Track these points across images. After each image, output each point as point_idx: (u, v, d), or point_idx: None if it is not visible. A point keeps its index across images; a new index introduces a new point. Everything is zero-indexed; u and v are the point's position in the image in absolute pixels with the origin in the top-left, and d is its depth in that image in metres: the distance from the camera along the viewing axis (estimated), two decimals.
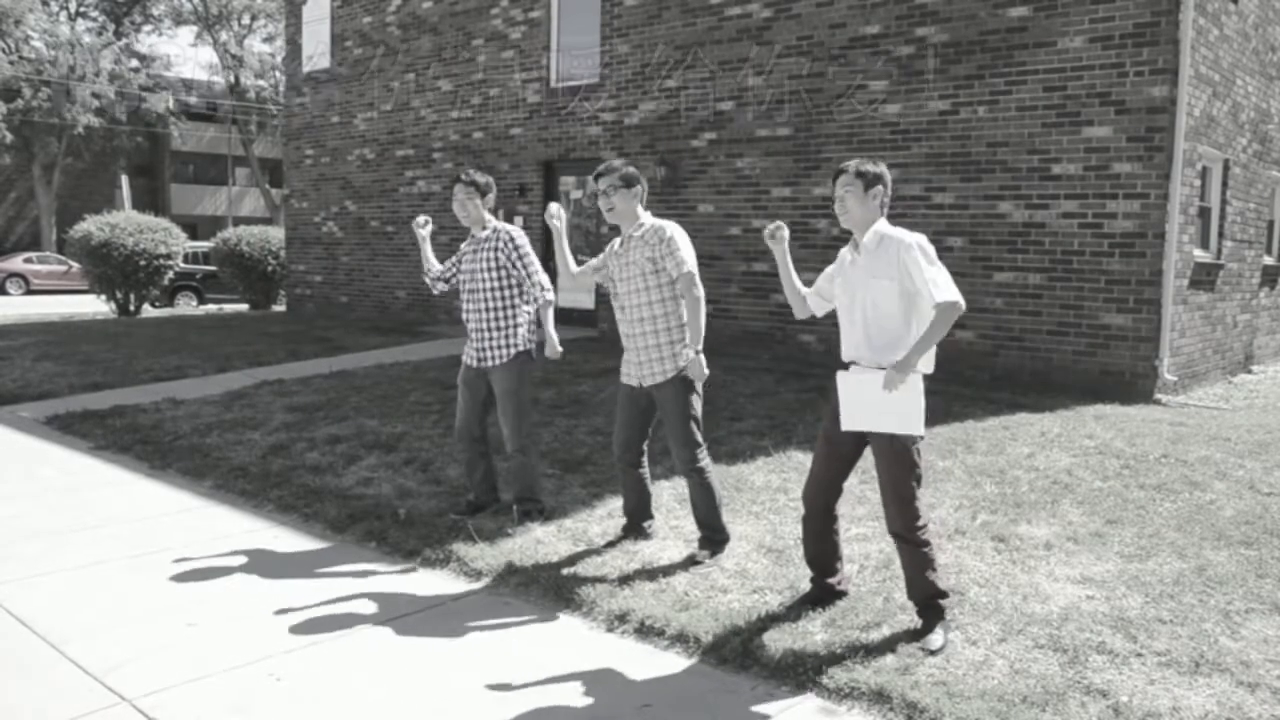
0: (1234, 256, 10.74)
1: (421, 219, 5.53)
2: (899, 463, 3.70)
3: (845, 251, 3.95)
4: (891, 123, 10.09)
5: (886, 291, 3.71)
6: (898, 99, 10.03)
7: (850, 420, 3.77)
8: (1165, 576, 4.35)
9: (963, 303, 3.62)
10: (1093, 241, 8.95)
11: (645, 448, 4.90)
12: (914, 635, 3.74)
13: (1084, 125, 8.93)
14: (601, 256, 4.93)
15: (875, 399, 3.65)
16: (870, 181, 3.82)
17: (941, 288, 3.61)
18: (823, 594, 4.10)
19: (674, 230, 4.65)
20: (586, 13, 12.89)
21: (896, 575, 4.36)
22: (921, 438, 3.74)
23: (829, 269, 4.07)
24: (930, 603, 3.78)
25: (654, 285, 4.61)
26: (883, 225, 3.83)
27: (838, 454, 3.92)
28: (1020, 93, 9.26)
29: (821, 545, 4.07)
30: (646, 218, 4.72)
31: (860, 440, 3.85)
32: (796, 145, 10.81)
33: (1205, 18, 9.18)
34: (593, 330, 12.29)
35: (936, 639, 3.67)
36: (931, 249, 3.71)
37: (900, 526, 3.74)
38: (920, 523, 3.73)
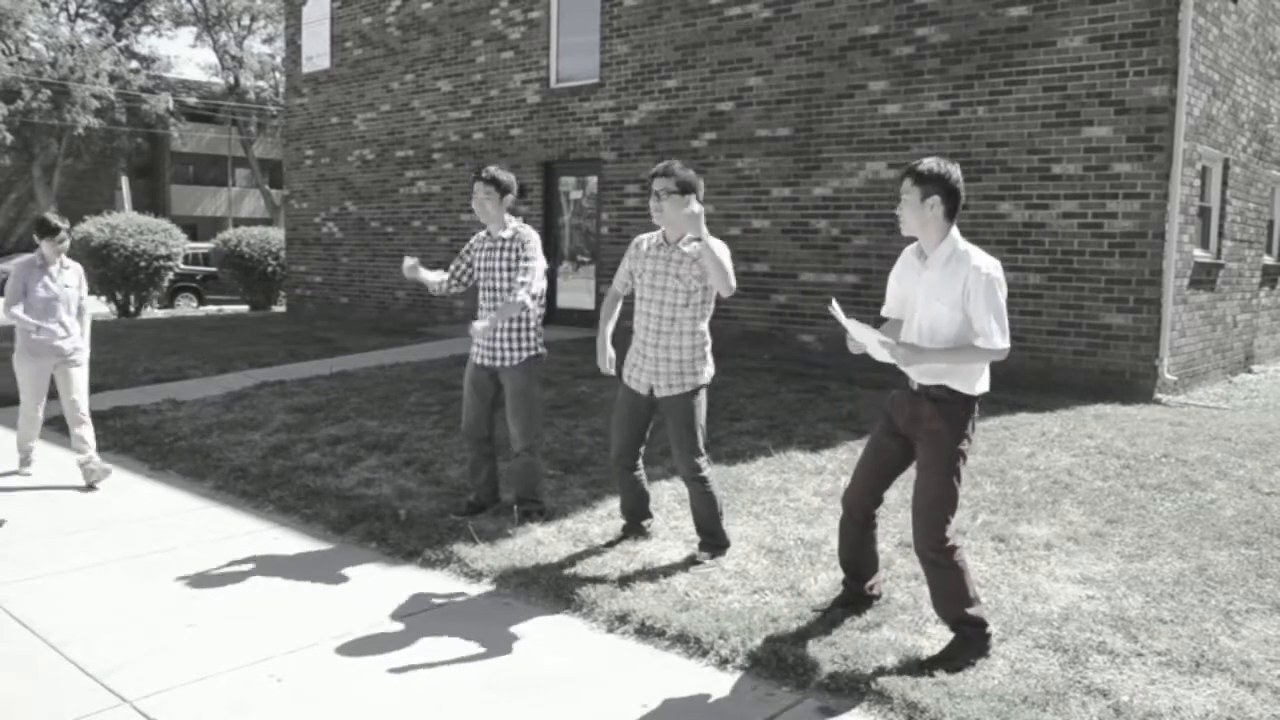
0: (1234, 256, 10.74)
1: (409, 262, 5.11)
2: (940, 482, 3.55)
3: (910, 253, 3.71)
4: (891, 123, 10.09)
5: (947, 319, 3.52)
6: (898, 99, 10.03)
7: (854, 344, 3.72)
8: (1166, 576, 4.35)
9: (1007, 349, 3.48)
10: (1093, 241, 8.95)
11: (642, 450, 4.88)
12: (936, 658, 3.57)
13: (1084, 125, 8.93)
14: (627, 264, 4.70)
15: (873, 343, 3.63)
16: (929, 190, 3.49)
17: (993, 335, 3.44)
18: (855, 597, 4.02)
19: (723, 250, 4.40)
20: (586, 13, 12.90)
21: (897, 576, 4.37)
22: (965, 458, 3.60)
23: (895, 271, 3.78)
24: (957, 625, 3.62)
25: (696, 302, 4.50)
26: (955, 239, 3.55)
27: (883, 462, 3.81)
28: (1020, 93, 9.26)
29: (858, 553, 3.96)
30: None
31: (908, 450, 3.72)
32: (796, 145, 10.81)
33: (1205, 17, 9.18)
34: (593, 331, 12.29)
35: (954, 659, 3.52)
36: (1001, 283, 3.50)
37: (925, 546, 3.57)
38: (947, 544, 3.54)
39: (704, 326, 4.59)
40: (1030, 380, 9.13)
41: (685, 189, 4.39)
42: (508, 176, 5.24)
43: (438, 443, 6.95)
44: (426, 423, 7.58)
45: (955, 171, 3.54)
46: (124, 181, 44.29)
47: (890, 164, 10.07)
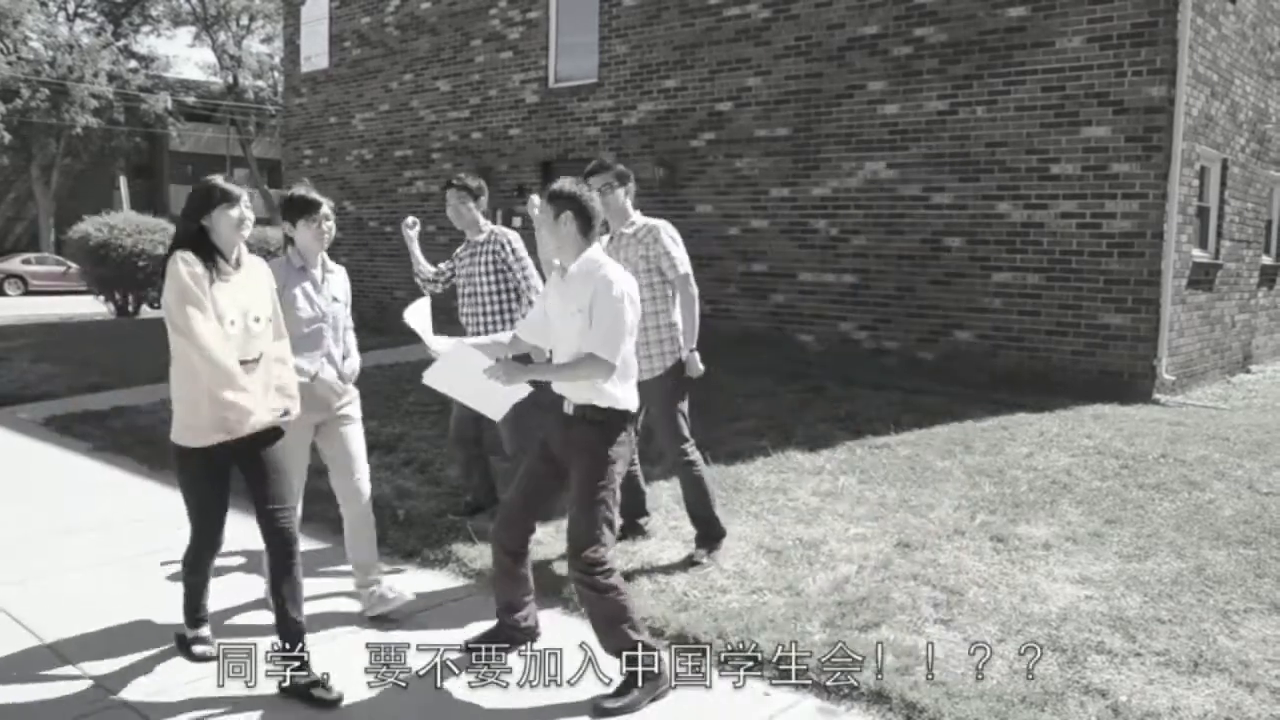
0: (1232, 256, 10.75)
1: (410, 220, 5.43)
2: (593, 504, 3.39)
3: (555, 274, 3.63)
4: (890, 123, 10.09)
5: (580, 330, 3.44)
6: (896, 99, 10.03)
7: (433, 377, 3.65)
8: (1164, 576, 4.36)
9: (610, 365, 3.36)
10: (1091, 241, 8.95)
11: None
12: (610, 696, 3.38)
13: (1082, 125, 8.93)
14: None
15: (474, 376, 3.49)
16: (560, 207, 3.45)
17: (596, 344, 3.35)
18: (508, 633, 3.79)
19: (668, 230, 4.65)
20: (585, 13, 12.89)
21: (896, 575, 4.37)
22: (616, 479, 3.46)
23: (542, 292, 3.83)
24: (624, 654, 3.39)
25: (645, 284, 4.55)
26: (594, 255, 3.50)
27: (539, 490, 3.65)
28: (1019, 93, 9.27)
29: (514, 587, 3.74)
30: (637, 216, 4.73)
31: (563, 475, 3.53)
32: (796, 145, 10.81)
33: (1203, 18, 9.19)
34: None
35: (625, 696, 3.34)
36: (632, 299, 3.44)
37: (579, 569, 3.40)
38: (603, 565, 3.37)
39: (663, 307, 4.63)
40: (1028, 380, 9.14)
41: (623, 179, 4.68)
42: (476, 181, 5.36)
43: (436, 443, 6.95)
44: (425, 423, 7.58)
45: (588, 193, 3.51)
46: (122, 181, 44.25)
47: (889, 164, 10.07)
